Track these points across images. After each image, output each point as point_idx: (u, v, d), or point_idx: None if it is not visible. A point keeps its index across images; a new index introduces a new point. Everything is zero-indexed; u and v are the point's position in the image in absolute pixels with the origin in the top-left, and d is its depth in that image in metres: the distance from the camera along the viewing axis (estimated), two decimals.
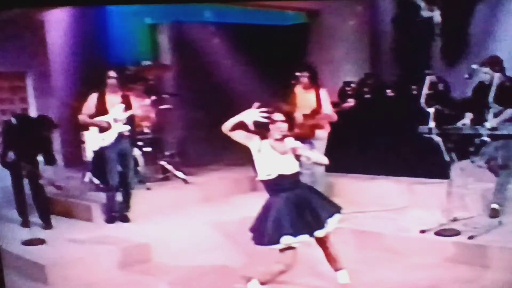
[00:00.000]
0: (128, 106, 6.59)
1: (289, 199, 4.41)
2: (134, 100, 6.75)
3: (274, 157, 4.45)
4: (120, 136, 6.55)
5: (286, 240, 4.32)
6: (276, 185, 4.46)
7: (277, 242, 4.33)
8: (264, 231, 4.39)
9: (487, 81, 5.73)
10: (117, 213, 6.73)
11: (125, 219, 6.72)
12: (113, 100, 6.55)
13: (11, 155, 6.37)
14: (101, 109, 6.51)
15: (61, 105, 8.52)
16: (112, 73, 6.52)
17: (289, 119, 4.54)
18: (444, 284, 4.94)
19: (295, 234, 4.32)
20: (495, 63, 5.76)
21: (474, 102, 5.90)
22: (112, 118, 6.52)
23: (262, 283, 4.55)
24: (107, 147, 6.55)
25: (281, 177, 4.44)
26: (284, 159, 4.45)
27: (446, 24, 8.54)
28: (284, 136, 4.47)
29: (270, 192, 4.51)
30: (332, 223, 4.45)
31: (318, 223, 4.40)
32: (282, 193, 4.43)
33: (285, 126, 4.46)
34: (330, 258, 4.66)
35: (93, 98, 6.55)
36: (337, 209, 4.55)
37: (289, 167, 4.45)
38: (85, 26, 8.71)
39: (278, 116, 4.49)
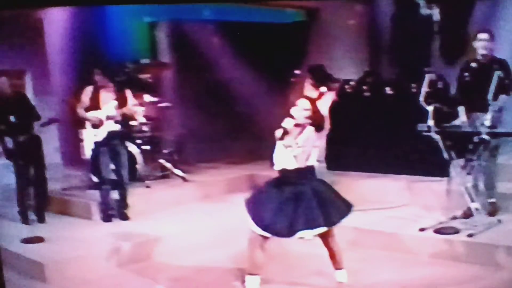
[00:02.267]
0: (122, 104, 6.59)
1: (286, 193, 4.45)
2: (130, 98, 6.75)
3: (281, 151, 4.49)
4: (112, 133, 6.56)
5: (262, 230, 4.43)
6: (280, 177, 4.53)
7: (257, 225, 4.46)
8: (252, 207, 4.55)
9: (486, 50, 5.73)
10: (114, 211, 6.73)
11: (124, 217, 6.71)
12: (107, 97, 6.56)
13: (7, 140, 6.36)
14: (94, 104, 6.53)
15: (60, 103, 8.50)
16: (97, 71, 6.53)
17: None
18: (443, 282, 4.94)
19: (275, 228, 4.40)
20: (492, 34, 5.84)
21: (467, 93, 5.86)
22: (105, 115, 6.53)
23: (252, 274, 4.62)
24: (99, 142, 6.58)
25: (284, 171, 4.49)
26: (289, 154, 4.45)
27: (446, 22, 8.52)
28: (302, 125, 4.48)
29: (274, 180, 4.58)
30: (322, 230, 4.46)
31: (309, 225, 4.41)
32: (282, 186, 4.48)
33: (307, 113, 4.49)
34: (332, 256, 4.68)
35: (87, 91, 6.57)
36: (337, 218, 4.53)
37: (292, 162, 4.47)
38: (84, 24, 8.68)
39: (303, 103, 4.52)
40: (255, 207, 4.55)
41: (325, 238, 4.58)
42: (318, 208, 4.41)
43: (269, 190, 4.58)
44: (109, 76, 6.63)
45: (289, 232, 4.40)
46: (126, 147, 6.94)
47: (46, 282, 5.33)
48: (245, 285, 4.65)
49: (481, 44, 5.77)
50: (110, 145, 6.61)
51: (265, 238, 4.51)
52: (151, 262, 5.77)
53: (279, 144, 4.50)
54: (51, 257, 5.55)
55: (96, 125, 6.56)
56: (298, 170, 4.49)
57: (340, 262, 4.70)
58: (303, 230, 4.39)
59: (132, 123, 7.22)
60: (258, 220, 4.47)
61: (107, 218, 6.71)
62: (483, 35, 5.79)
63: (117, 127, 6.60)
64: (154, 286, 5.30)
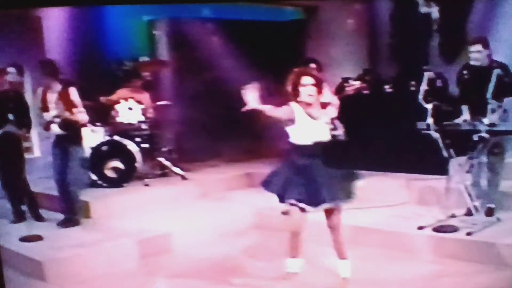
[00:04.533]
0: (66, 106, 6.23)
1: (307, 165, 4.50)
2: (75, 99, 6.32)
3: (309, 124, 4.52)
4: (58, 137, 6.38)
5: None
6: (306, 151, 4.52)
7: (282, 200, 4.50)
8: (275, 184, 4.55)
9: (479, 61, 5.70)
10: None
11: (71, 223, 6.44)
12: (51, 97, 6.33)
13: None
14: (44, 105, 6.36)
15: None
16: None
17: (318, 82, 4.56)
18: (442, 280, 4.95)
19: (299, 200, 4.42)
20: (486, 42, 5.77)
21: (468, 93, 5.83)
22: (51, 116, 6.32)
23: (293, 256, 4.62)
24: (52, 144, 6.47)
25: (316, 144, 4.52)
26: (318, 126, 4.52)
27: (445, 20, 8.53)
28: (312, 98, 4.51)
29: (295, 154, 4.56)
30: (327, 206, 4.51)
31: (316, 200, 4.44)
32: (305, 158, 4.50)
33: (313, 89, 4.51)
34: (335, 243, 4.72)
35: (38, 92, 6.45)
36: (343, 197, 4.58)
37: (323, 134, 4.55)
38: (83, 22, 8.67)
39: (306, 79, 4.53)
40: (280, 183, 4.54)
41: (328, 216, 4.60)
42: (337, 183, 4.55)
43: (289, 165, 4.57)
44: (51, 75, 6.32)
45: (317, 202, 4.45)
46: (72, 153, 6.42)
47: (44, 281, 5.32)
48: (287, 267, 4.66)
49: (473, 56, 5.76)
50: (60, 147, 6.39)
51: (302, 211, 4.48)
52: (149, 260, 5.76)
53: (303, 117, 4.50)
54: (49, 255, 5.54)
55: (46, 127, 6.38)
56: (321, 143, 4.55)
57: (342, 251, 4.74)
58: (328, 202, 4.47)
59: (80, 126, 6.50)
60: (289, 193, 4.46)
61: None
62: (474, 47, 5.76)
63: (57, 129, 6.31)
64: (152, 284, 5.30)
